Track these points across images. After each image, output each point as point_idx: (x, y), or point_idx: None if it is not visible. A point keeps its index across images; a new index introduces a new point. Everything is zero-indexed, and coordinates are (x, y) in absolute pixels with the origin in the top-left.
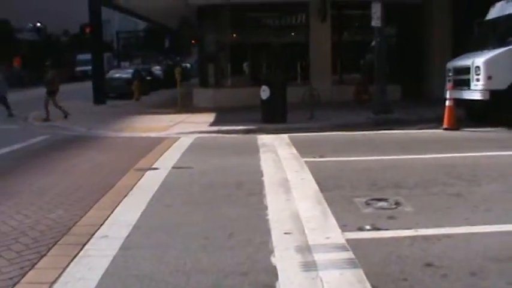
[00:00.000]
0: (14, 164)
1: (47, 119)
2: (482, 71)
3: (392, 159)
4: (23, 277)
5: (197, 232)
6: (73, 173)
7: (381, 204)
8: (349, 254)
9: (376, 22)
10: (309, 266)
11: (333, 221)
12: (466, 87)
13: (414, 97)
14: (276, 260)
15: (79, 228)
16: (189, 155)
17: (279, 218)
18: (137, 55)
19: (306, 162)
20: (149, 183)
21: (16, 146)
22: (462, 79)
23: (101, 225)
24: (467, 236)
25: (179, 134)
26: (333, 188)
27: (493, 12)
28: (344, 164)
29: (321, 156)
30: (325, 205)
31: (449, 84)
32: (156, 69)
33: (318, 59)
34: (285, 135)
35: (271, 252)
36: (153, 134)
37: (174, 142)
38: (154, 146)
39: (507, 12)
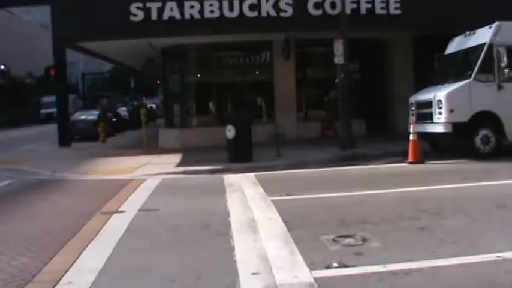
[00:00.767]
0: None
1: None
2: (444, 104)
3: (359, 194)
4: None
5: (164, 275)
6: (38, 218)
7: (348, 240)
8: None
9: (338, 59)
10: None
11: (300, 259)
12: (429, 121)
13: (379, 132)
14: None
15: (44, 275)
16: (155, 197)
17: (246, 258)
18: (103, 96)
19: (272, 201)
20: (115, 226)
21: None
22: (425, 113)
23: (66, 271)
24: (435, 270)
25: (145, 176)
26: (300, 226)
27: (452, 47)
28: (311, 202)
29: (288, 195)
30: (293, 244)
31: (412, 118)
32: (122, 110)
33: (282, 97)
34: (252, 174)
35: None
36: (119, 176)
37: (141, 184)
38: (120, 188)
39: (465, 47)
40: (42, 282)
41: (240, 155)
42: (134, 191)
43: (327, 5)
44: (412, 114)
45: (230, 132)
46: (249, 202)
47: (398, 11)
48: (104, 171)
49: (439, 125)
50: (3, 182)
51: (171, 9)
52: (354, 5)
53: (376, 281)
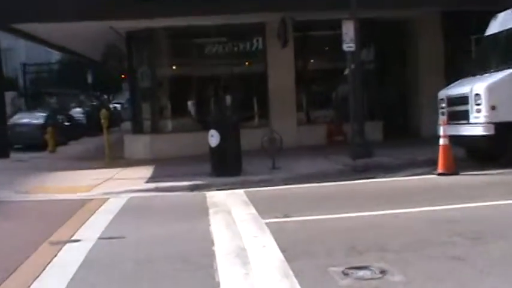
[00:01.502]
0: None
1: None
2: (483, 100)
3: (376, 215)
4: None
5: None
6: None
7: (362, 273)
8: None
9: (348, 45)
10: None
11: None
12: (465, 121)
13: (400, 135)
14: None
15: None
16: (120, 221)
17: None
18: (51, 94)
19: (267, 224)
20: (68, 259)
21: None
22: (459, 111)
23: None
24: None
25: (107, 195)
26: (302, 255)
27: (495, 26)
28: (315, 225)
29: (286, 216)
30: (293, 279)
31: (443, 118)
32: (77, 111)
33: (279, 93)
34: (241, 191)
35: None
36: (73, 196)
37: (101, 205)
38: (74, 211)
39: None
40: None
41: (227, 167)
42: (93, 214)
43: None
44: (442, 113)
45: (214, 138)
46: (237, 226)
47: None
48: (53, 189)
49: (477, 126)
50: None
51: None
52: None
53: None
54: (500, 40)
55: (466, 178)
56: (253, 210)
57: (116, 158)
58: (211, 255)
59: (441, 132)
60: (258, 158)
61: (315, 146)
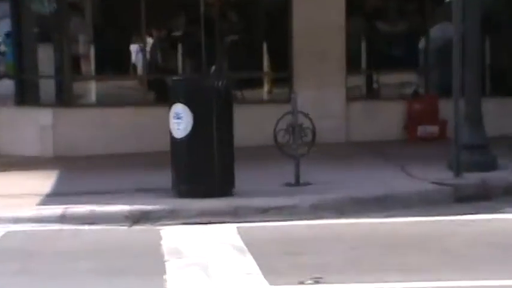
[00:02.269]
0: None
1: None
2: None
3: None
4: None
5: None
6: None
7: None
8: None
9: None
10: None
11: None
12: None
13: None
14: None
15: None
16: None
17: None
18: None
19: None
20: None
21: None
22: None
23: None
24: None
25: None
26: None
27: None
28: None
29: (318, 282)
30: None
31: None
32: None
33: (312, 40)
34: (232, 227)
35: None
36: None
37: None
38: None
39: None
40: None
41: (204, 179)
42: None
43: None
44: None
45: (180, 122)
46: None
47: None
48: None
49: None
50: None
51: None
52: None
53: None
54: None
55: None
56: (253, 267)
57: None
58: None
59: None
60: (268, 162)
61: (381, 142)
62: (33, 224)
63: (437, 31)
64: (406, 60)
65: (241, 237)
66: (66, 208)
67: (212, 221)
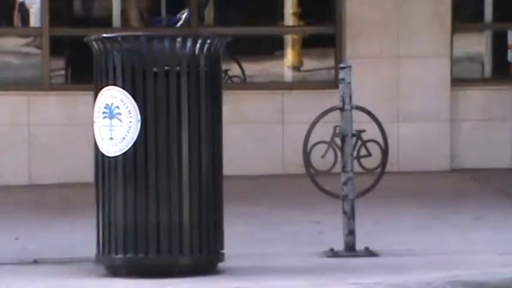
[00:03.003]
0: None
1: None
2: None
3: None
4: None
5: None
6: None
7: None
8: None
9: None
10: None
11: None
12: None
13: None
14: None
15: None
16: None
17: None
18: None
19: None
20: None
21: None
22: None
23: None
24: None
25: None
26: None
27: None
28: None
29: None
30: None
31: None
32: None
33: None
34: None
35: None
36: None
37: None
38: None
39: None
40: None
41: (165, 244)
42: None
43: None
44: None
45: (116, 126)
46: None
47: None
48: None
49: None
50: None
51: None
52: None
53: None
54: None
55: None
56: None
57: None
58: None
59: None
60: (289, 206)
61: (491, 171)
62: None
63: None
64: None
65: None
66: None
67: None
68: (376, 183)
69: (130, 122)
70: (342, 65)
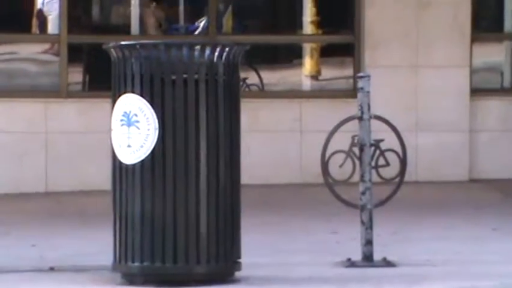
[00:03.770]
0: None
1: None
2: None
3: None
4: None
5: None
6: None
7: None
8: None
9: None
10: None
11: None
12: None
13: None
14: None
15: None
16: None
17: None
18: None
19: None
20: None
21: None
22: None
23: None
24: None
25: None
26: None
27: None
28: None
29: None
30: None
31: None
32: None
33: None
34: None
35: None
36: None
37: None
38: None
39: None
40: None
41: (182, 252)
42: None
43: None
44: None
45: (134, 133)
46: None
47: None
48: None
49: None
50: None
51: None
52: None
53: None
54: None
55: None
56: None
57: None
58: None
59: None
60: (304, 216)
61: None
62: None
63: None
64: None
65: None
66: None
67: None
68: (394, 193)
69: (148, 129)
70: (360, 74)
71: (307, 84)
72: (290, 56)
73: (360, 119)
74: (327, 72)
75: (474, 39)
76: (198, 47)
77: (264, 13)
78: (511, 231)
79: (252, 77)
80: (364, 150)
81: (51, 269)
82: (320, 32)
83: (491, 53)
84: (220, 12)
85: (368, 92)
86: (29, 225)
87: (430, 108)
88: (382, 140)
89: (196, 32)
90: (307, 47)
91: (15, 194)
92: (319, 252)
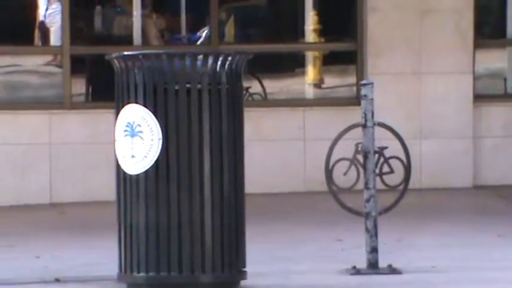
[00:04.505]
0: None
1: None
2: None
3: None
4: None
5: None
6: None
7: None
8: None
9: None
10: None
11: None
12: None
13: None
14: None
15: None
16: None
17: None
18: None
19: None
20: None
21: None
22: None
23: None
24: None
25: None
26: None
27: None
28: None
29: None
30: None
31: None
32: None
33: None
34: None
35: None
36: None
37: None
38: None
39: None
40: None
41: (187, 262)
42: None
43: None
44: None
45: (138, 143)
46: None
47: None
48: None
49: None
50: None
51: None
52: None
53: None
54: None
55: None
56: None
57: None
58: None
59: None
60: (308, 222)
61: None
62: None
63: None
64: None
65: None
66: None
67: None
68: (398, 200)
69: (151, 139)
70: (364, 82)
71: (310, 92)
72: (293, 64)
73: (364, 126)
74: (330, 80)
75: (477, 46)
76: (200, 57)
77: (266, 22)
78: None
79: (255, 86)
80: (368, 157)
81: (57, 280)
82: (322, 40)
83: (494, 59)
84: (222, 22)
85: (371, 99)
86: (33, 237)
87: (434, 114)
88: (386, 148)
89: (199, 42)
90: (309, 55)
91: (20, 206)
92: (324, 260)
